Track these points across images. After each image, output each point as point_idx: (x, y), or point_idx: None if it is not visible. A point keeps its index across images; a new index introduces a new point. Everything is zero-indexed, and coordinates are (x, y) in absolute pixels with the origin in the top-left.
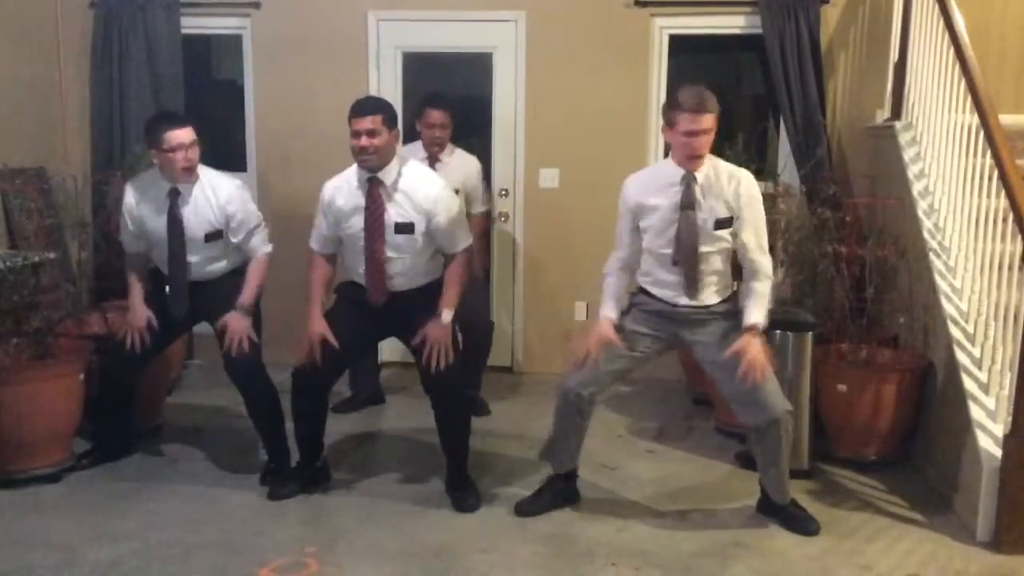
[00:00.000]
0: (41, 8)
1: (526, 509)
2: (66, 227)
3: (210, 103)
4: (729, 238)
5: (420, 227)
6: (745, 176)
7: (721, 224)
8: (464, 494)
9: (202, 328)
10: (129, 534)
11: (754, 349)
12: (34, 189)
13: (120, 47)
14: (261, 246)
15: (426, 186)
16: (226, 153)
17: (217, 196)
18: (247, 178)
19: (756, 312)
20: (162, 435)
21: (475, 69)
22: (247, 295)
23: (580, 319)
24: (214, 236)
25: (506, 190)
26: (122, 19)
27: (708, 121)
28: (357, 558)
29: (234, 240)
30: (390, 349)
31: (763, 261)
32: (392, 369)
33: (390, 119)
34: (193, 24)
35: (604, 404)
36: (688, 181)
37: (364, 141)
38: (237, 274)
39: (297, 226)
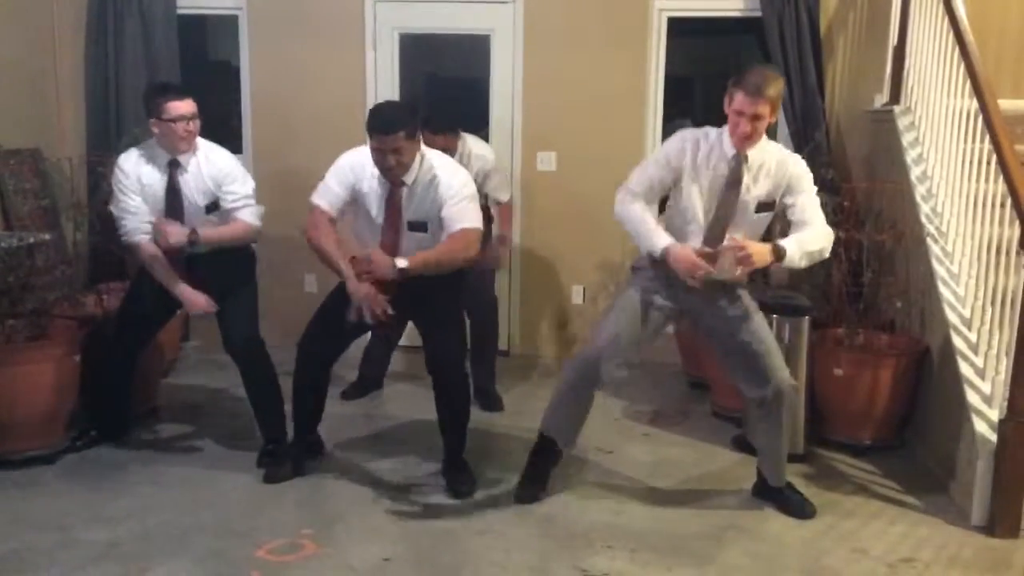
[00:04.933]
0: None
1: (522, 496)
2: (61, 208)
3: (206, 84)
4: (766, 222)
5: (434, 224)
6: (791, 157)
7: (762, 207)
8: (460, 478)
9: None
10: (125, 516)
11: (754, 246)
12: (29, 170)
13: (115, 27)
14: (248, 217)
15: (446, 179)
16: (222, 134)
17: (211, 164)
18: (243, 159)
19: (789, 240)
20: (158, 417)
21: (472, 51)
22: (209, 230)
23: (577, 302)
24: (214, 208)
25: None
26: None
27: (762, 107)
28: (354, 540)
29: (226, 206)
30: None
31: (825, 228)
32: (396, 353)
33: (411, 131)
34: (189, 4)
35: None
36: (739, 160)
37: (391, 161)
38: (234, 250)
39: (294, 206)
